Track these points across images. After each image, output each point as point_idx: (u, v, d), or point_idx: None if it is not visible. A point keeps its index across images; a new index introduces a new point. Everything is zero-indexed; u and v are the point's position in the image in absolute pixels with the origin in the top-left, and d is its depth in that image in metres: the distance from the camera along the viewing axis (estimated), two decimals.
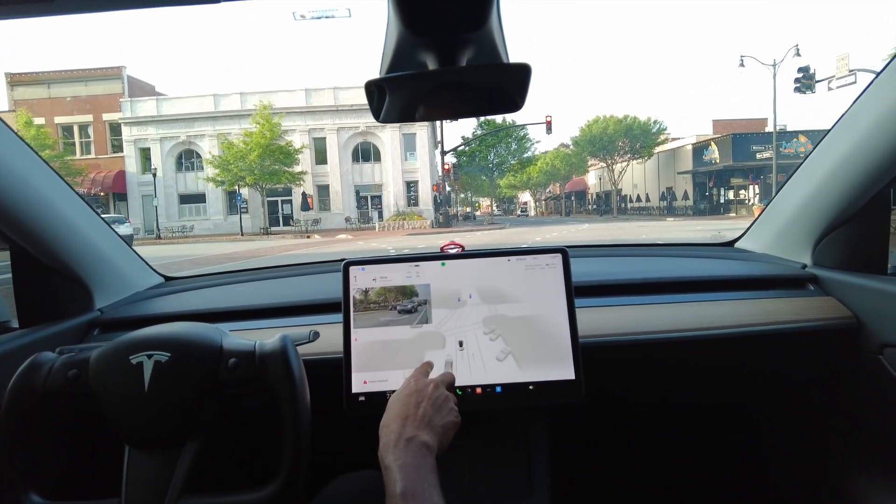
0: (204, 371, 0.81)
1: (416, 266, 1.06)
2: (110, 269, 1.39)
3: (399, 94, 0.83)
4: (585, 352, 1.03)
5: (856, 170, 1.16)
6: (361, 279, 1.05)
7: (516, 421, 1.20)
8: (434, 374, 0.90)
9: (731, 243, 1.66)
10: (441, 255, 1.08)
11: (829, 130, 1.26)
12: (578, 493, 1.46)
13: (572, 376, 1.01)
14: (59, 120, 29.56)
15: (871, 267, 1.23)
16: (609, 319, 1.19)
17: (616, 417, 1.48)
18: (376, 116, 0.85)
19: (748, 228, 1.61)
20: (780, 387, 1.36)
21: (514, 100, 0.81)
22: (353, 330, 1.03)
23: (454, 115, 0.88)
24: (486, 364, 1.01)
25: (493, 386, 1.01)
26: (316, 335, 0.92)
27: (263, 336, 0.89)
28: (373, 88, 0.81)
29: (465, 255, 1.08)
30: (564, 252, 1.06)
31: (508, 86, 0.80)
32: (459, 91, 0.82)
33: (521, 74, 0.77)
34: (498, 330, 1.03)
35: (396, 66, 0.79)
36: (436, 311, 1.04)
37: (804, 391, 1.36)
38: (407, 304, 1.04)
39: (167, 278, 1.61)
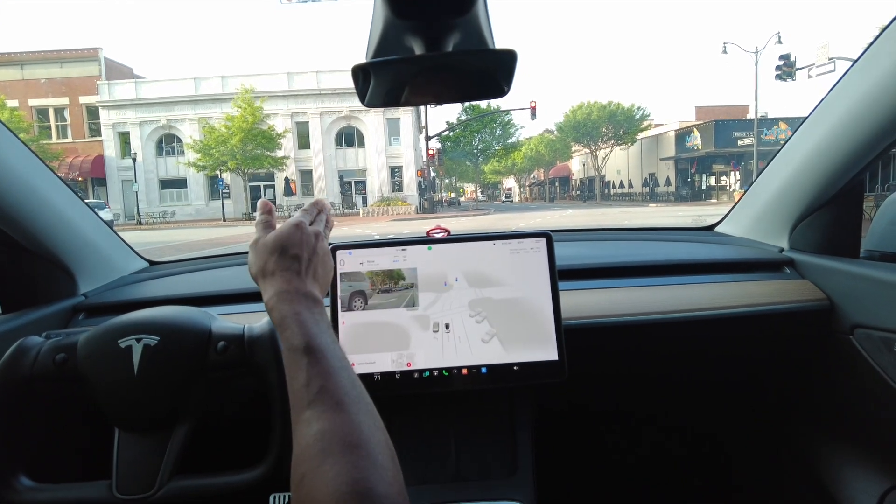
0: (193, 354, 0.82)
1: (403, 250, 1.07)
2: (94, 253, 1.37)
3: (384, 79, 0.83)
4: (568, 333, 1.05)
5: (831, 156, 1.19)
6: (349, 263, 1.06)
7: (501, 400, 1.23)
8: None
9: (710, 228, 1.69)
10: (427, 240, 1.09)
11: (806, 118, 1.29)
12: (561, 470, 1.50)
13: (555, 357, 1.03)
14: (33, 102, 28.80)
15: (845, 251, 1.27)
16: (592, 302, 1.21)
17: (598, 397, 1.52)
18: (362, 100, 0.86)
19: (728, 213, 1.65)
20: (755, 367, 1.40)
21: (500, 85, 0.82)
22: (340, 313, 1.04)
23: (440, 100, 0.89)
24: (471, 346, 1.03)
25: (478, 367, 1.03)
26: None
27: (251, 320, 0.89)
28: (358, 72, 0.81)
29: (452, 239, 1.09)
30: (548, 236, 1.08)
31: (494, 71, 0.81)
32: (445, 76, 0.82)
33: (507, 60, 0.78)
34: (483, 312, 1.05)
35: (382, 51, 0.80)
36: (422, 295, 1.06)
37: (779, 371, 1.40)
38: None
39: (152, 263, 1.60)
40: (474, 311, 1.05)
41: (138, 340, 0.81)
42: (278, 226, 0.77)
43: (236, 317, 1.19)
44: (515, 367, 1.03)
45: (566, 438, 1.56)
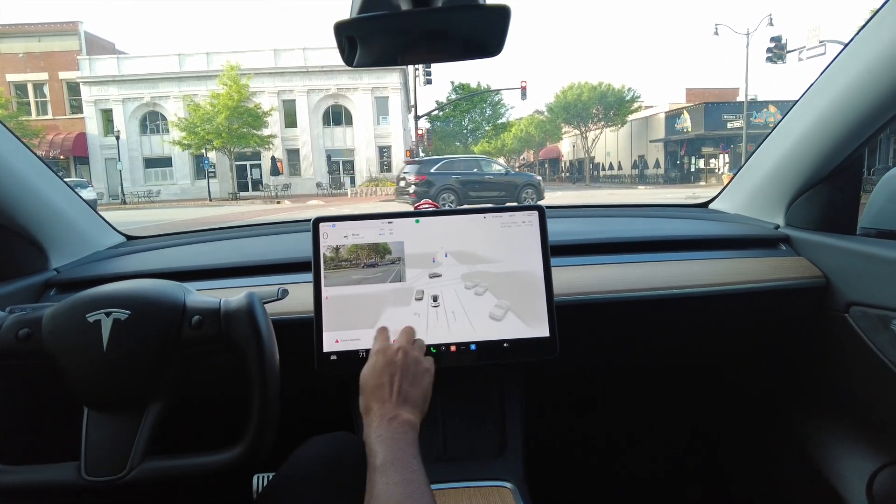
0: (166, 329, 0.77)
1: (390, 223, 1.03)
2: (67, 227, 1.32)
3: (371, 38, 0.78)
4: (561, 310, 1.02)
5: (831, 131, 1.16)
6: (332, 236, 1.02)
7: (491, 378, 1.20)
8: (397, 334, 0.90)
9: (704, 205, 1.67)
10: (415, 213, 1.05)
11: (806, 91, 1.25)
12: (551, 451, 1.48)
13: (547, 334, 1.00)
14: (11, 78, 27.99)
15: (841, 227, 1.24)
16: (584, 278, 1.18)
17: (590, 376, 1.50)
18: (348, 62, 0.81)
19: (722, 190, 1.62)
20: (748, 345, 1.39)
21: (493, 44, 0.78)
22: (323, 288, 1.00)
23: (430, 60, 0.84)
24: (461, 321, 1.00)
25: (467, 344, 1.00)
26: (285, 293, 0.89)
27: (230, 295, 0.85)
28: (343, 31, 0.76)
29: (440, 212, 1.06)
30: (541, 209, 1.05)
31: (487, 29, 0.76)
32: (436, 34, 0.77)
33: (500, 17, 0.73)
34: (484, 283, 1.01)
35: (368, 7, 0.74)
36: (409, 270, 1.02)
37: (772, 349, 1.39)
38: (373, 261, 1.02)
39: (129, 237, 1.54)
40: (472, 283, 1.01)
41: (108, 315, 0.76)
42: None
43: (215, 292, 1.14)
44: (506, 344, 1.00)
45: (556, 417, 1.55)
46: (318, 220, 1.02)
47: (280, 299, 0.88)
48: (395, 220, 1.03)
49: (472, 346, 1.00)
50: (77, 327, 0.76)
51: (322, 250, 1.01)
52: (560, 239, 1.26)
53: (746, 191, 1.49)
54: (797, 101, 1.26)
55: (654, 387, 1.58)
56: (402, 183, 14.56)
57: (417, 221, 1.04)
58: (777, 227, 1.36)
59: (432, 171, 14.28)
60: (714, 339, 1.36)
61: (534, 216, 1.04)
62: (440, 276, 1.02)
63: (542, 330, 1.00)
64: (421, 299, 1.01)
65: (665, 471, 1.63)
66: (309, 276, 1.01)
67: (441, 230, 1.04)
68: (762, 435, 1.46)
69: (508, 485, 1.07)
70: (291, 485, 0.89)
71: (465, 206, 1.06)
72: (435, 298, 1.01)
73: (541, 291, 1.02)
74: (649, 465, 1.64)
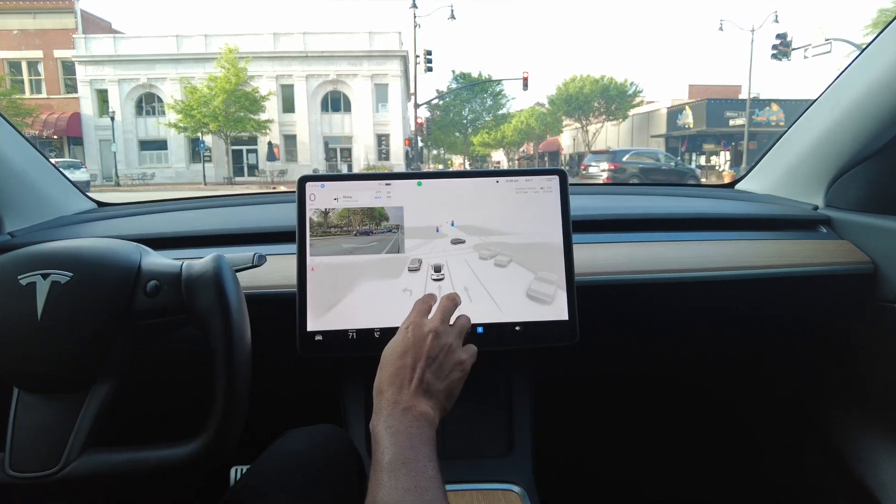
0: (115, 296, 0.64)
1: (388, 185, 0.90)
2: (26, 189, 1.18)
3: None
4: (579, 291, 0.89)
5: (885, 101, 1.03)
6: (321, 198, 0.88)
7: (497, 367, 1.07)
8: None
9: (731, 185, 1.54)
10: (418, 174, 0.92)
11: (853, 60, 1.13)
12: (563, 449, 1.36)
13: (566, 317, 0.87)
14: (5, 55, 27.55)
15: (891, 209, 1.12)
16: (606, 256, 1.05)
17: (608, 366, 1.37)
18: None
19: (750, 169, 1.49)
20: (784, 337, 1.27)
21: None
22: (308, 258, 0.86)
23: None
24: (468, 301, 0.87)
25: (473, 326, 0.86)
26: (262, 259, 0.76)
27: None
28: None
29: (447, 174, 0.92)
30: (562, 173, 0.91)
31: None
32: None
33: None
34: (506, 253, 0.88)
35: None
36: (409, 239, 0.88)
37: (810, 341, 1.27)
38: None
39: (101, 204, 1.40)
40: (488, 253, 0.88)
41: (44, 277, 0.63)
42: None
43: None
44: (518, 328, 0.87)
45: (569, 413, 1.42)
46: (305, 178, 0.89)
47: (256, 266, 0.75)
48: (393, 182, 0.90)
49: (479, 329, 0.86)
50: (6, 291, 0.63)
51: (308, 214, 0.87)
52: (580, 214, 1.13)
53: (779, 169, 1.36)
54: (848, 66, 1.13)
55: (678, 382, 1.45)
56: (593, 170, 16.42)
57: (420, 184, 0.90)
58: (815, 207, 1.24)
59: (624, 159, 16.46)
60: (746, 329, 1.24)
61: (554, 181, 0.91)
62: (463, 242, 0.88)
63: (559, 312, 0.87)
64: (417, 269, 0.87)
65: (691, 472, 1.50)
66: (293, 248, 0.88)
67: (447, 195, 0.90)
68: (796, 437, 1.34)
69: (516, 488, 0.95)
70: (265, 481, 0.76)
71: (476, 170, 0.92)
72: (438, 269, 0.87)
73: (560, 268, 0.88)
74: (672, 468, 1.51)
